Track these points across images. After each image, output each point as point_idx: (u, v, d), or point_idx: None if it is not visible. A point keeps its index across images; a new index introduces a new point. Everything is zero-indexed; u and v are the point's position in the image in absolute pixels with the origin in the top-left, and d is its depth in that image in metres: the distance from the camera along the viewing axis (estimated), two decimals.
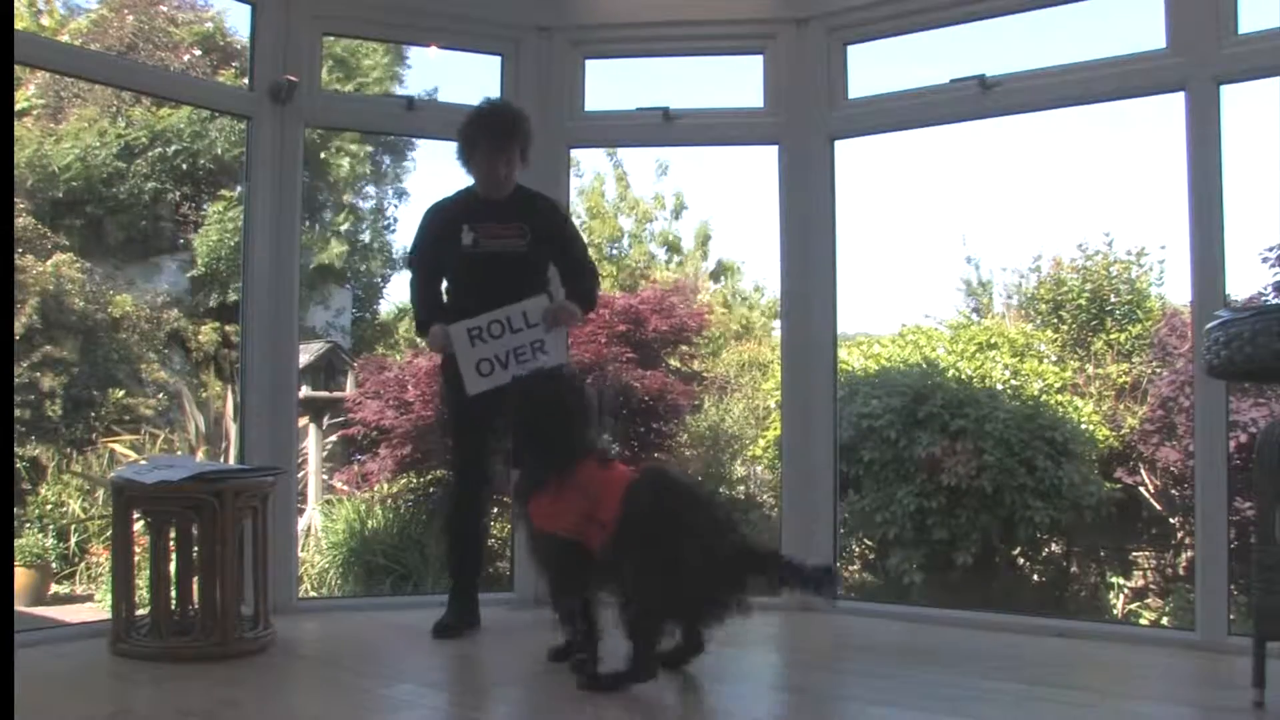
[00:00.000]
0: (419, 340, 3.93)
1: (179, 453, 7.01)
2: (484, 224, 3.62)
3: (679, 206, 11.03)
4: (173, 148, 9.15)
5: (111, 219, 8.95)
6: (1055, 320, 7.57)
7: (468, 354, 3.52)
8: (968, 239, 11.13)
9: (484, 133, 3.59)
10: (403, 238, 11.50)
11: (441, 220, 3.72)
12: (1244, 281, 6.26)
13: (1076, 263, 7.75)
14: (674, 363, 7.18)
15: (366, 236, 11.02)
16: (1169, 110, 3.61)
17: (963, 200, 10.76)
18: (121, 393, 7.81)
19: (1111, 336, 7.32)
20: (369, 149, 10.31)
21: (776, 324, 10.26)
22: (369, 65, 10.08)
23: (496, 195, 3.65)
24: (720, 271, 11.11)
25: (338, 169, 9.98)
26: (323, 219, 10.19)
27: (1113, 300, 7.48)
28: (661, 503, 2.74)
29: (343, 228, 10.39)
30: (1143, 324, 7.33)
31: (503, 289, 3.57)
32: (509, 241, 3.61)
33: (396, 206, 11.34)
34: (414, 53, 10.63)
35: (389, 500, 6.73)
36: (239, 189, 9.12)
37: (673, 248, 11.00)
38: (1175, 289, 7.63)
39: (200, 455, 6.91)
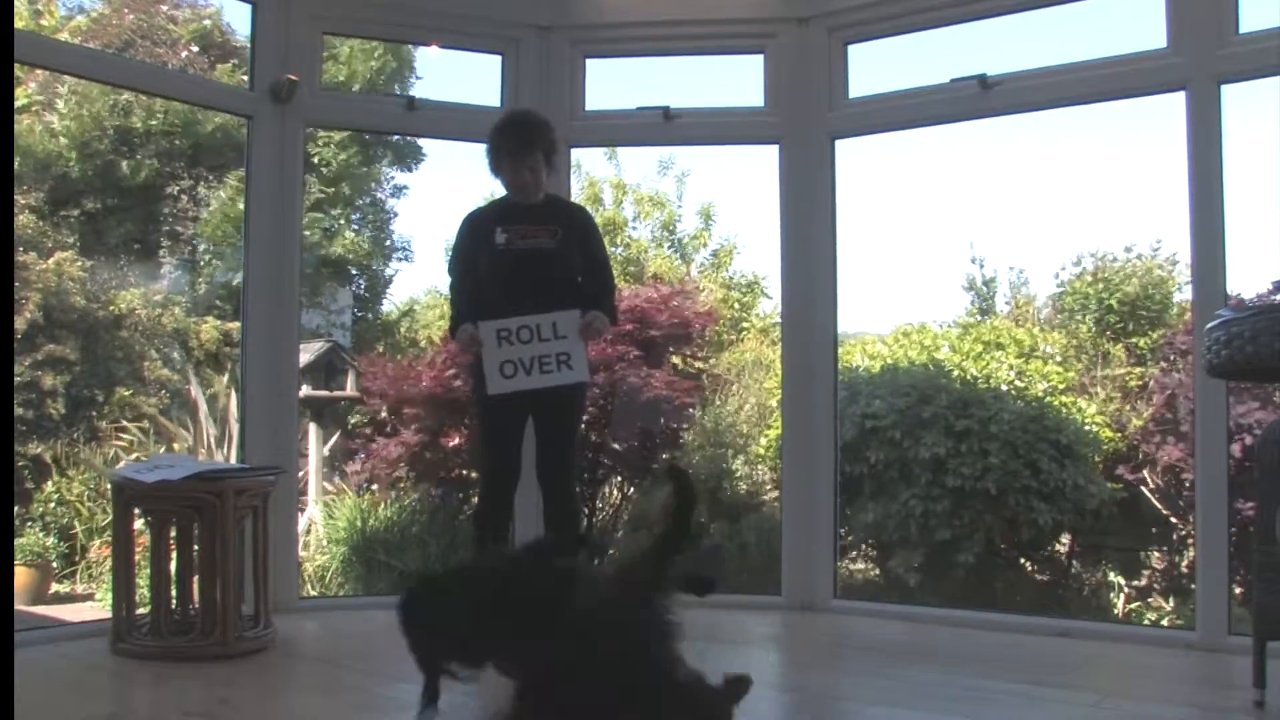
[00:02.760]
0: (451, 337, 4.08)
1: (176, 449, 7.01)
2: (516, 225, 3.73)
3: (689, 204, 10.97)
4: (174, 141, 9.14)
5: (111, 215, 8.95)
6: (1078, 319, 7.53)
7: (494, 353, 3.60)
8: (968, 237, 11.07)
9: (507, 141, 3.72)
10: (402, 231, 11.51)
11: (476, 225, 3.83)
12: (1246, 280, 6.25)
13: (1119, 263, 7.71)
14: (676, 360, 7.17)
15: (368, 232, 11.02)
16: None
17: (966, 200, 10.73)
18: (129, 392, 7.81)
19: (1133, 340, 7.30)
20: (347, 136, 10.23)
21: (777, 321, 10.24)
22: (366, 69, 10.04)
23: (525, 200, 3.77)
24: (721, 259, 11.03)
25: (327, 162, 9.95)
26: (329, 213, 10.16)
27: (1142, 304, 7.45)
28: None
29: (344, 220, 10.38)
30: (1161, 329, 7.31)
31: (532, 285, 3.67)
32: (540, 241, 3.72)
33: (395, 201, 11.33)
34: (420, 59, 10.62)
35: (390, 499, 6.73)
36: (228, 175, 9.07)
37: (681, 245, 10.95)
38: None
39: (201, 454, 6.91)
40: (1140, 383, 6.95)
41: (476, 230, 3.81)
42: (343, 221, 10.37)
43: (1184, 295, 7.54)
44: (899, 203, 9.77)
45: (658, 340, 6.89)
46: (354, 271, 10.69)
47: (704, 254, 10.99)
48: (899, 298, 12.80)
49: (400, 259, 11.38)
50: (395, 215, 11.33)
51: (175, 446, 7.06)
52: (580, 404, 3.93)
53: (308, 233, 9.35)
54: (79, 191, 8.79)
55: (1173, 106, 3.65)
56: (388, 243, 11.25)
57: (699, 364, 7.56)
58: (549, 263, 3.72)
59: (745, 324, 9.51)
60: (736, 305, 10.01)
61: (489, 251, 3.73)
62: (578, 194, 10.43)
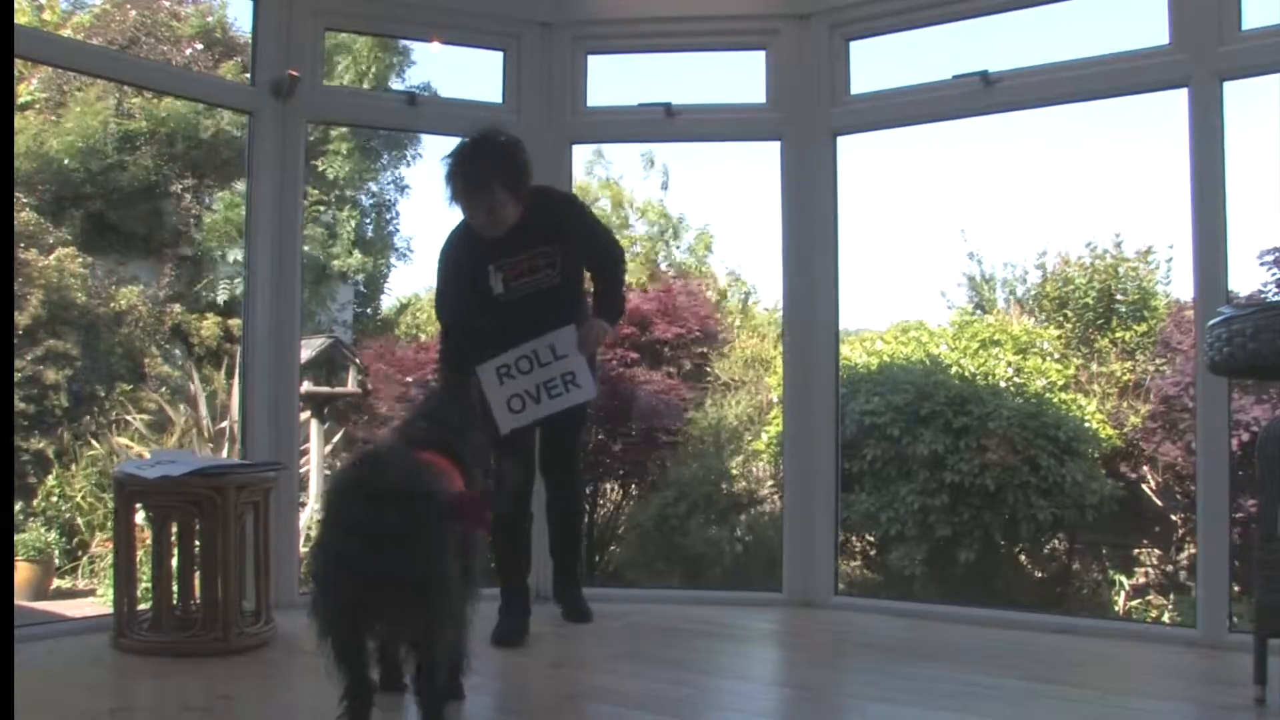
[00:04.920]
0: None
1: (172, 441, 7.00)
2: (509, 259, 3.41)
3: (675, 220, 10.98)
4: (177, 144, 9.13)
5: (114, 212, 8.95)
6: (1060, 318, 7.56)
7: (497, 392, 3.40)
8: (968, 234, 11.05)
9: (454, 180, 3.32)
10: (406, 230, 11.49)
11: (460, 261, 3.50)
12: (1246, 278, 6.27)
13: (1084, 260, 7.74)
14: (684, 363, 7.18)
15: (370, 232, 11.00)
16: (1174, 108, 3.62)
17: (967, 196, 10.73)
18: (130, 387, 7.82)
19: (1117, 335, 7.31)
20: (352, 144, 10.22)
21: (777, 318, 10.26)
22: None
23: (494, 234, 3.39)
24: (699, 249, 11.03)
25: (330, 168, 9.94)
26: (328, 221, 10.16)
27: (1119, 299, 7.47)
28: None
29: (350, 224, 10.37)
30: (1148, 323, 7.33)
31: (544, 326, 3.44)
32: (540, 278, 3.44)
33: (397, 201, 11.32)
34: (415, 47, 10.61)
35: None
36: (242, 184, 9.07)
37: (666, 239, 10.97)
38: (1182, 286, 7.64)
39: (204, 451, 6.91)
40: (1134, 379, 6.97)
41: (461, 267, 3.48)
42: (351, 226, 10.35)
43: (1165, 289, 7.61)
44: (898, 199, 9.78)
45: (658, 343, 6.91)
46: (354, 268, 10.67)
47: (688, 247, 11.01)
48: (897, 295, 12.82)
49: (400, 259, 11.37)
50: (398, 215, 11.33)
51: (172, 442, 7.04)
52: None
53: (307, 247, 9.34)
54: (80, 188, 8.79)
55: (1173, 103, 3.65)
56: (390, 241, 11.24)
57: (712, 368, 7.57)
58: (556, 300, 3.45)
59: (741, 325, 9.53)
60: (737, 298, 10.04)
61: (483, 299, 3.43)
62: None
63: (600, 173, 10.99)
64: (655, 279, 8.97)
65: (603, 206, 10.70)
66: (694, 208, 11.08)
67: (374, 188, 10.95)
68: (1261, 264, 5.94)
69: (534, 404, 3.45)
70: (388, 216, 11.20)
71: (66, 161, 8.54)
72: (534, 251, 3.43)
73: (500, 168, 3.30)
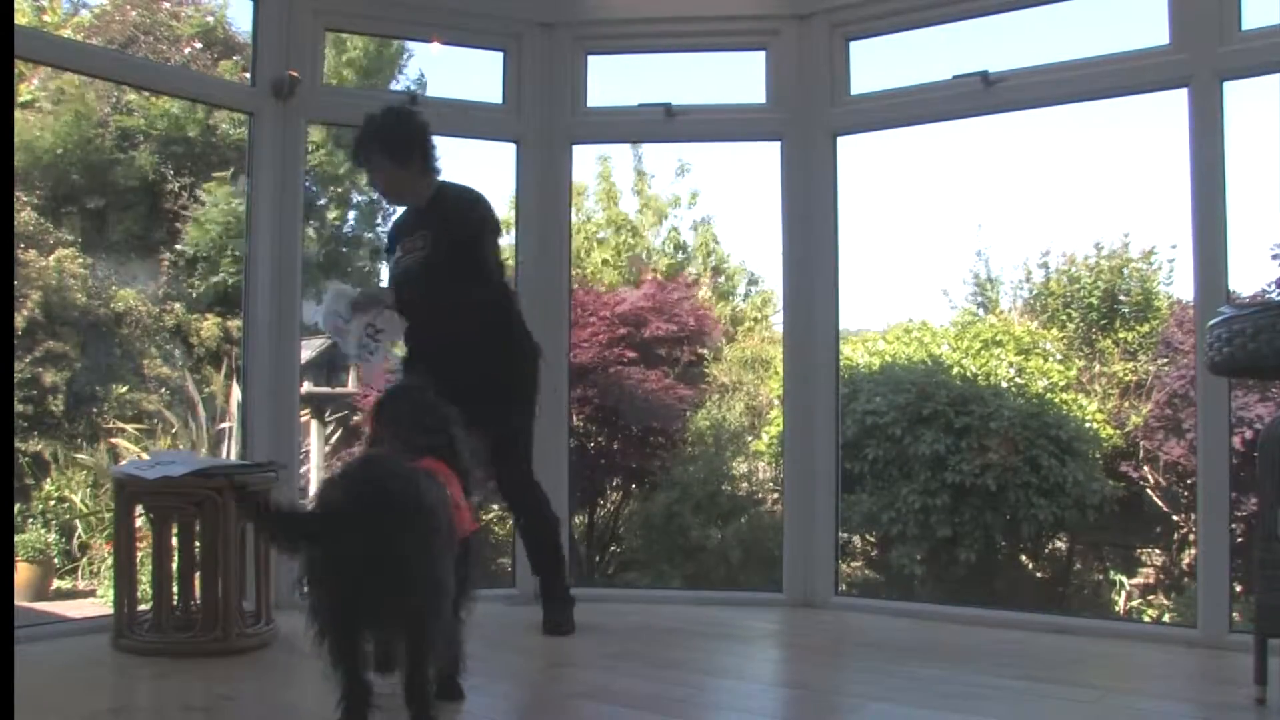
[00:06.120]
0: None
1: (167, 442, 7.00)
2: (407, 238, 3.56)
3: (692, 202, 10.94)
4: (175, 137, 9.13)
5: (113, 212, 8.95)
6: (1064, 318, 7.55)
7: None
8: (972, 233, 11.02)
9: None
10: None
11: (389, 241, 3.72)
12: (1248, 277, 6.27)
13: (1090, 260, 7.73)
14: (679, 364, 7.18)
15: (368, 235, 11.00)
16: (1177, 105, 3.62)
17: (967, 196, 10.71)
18: (125, 388, 7.82)
19: (1120, 335, 7.31)
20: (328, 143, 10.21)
21: (775, 318, 10.28)
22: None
23: (402, 204, 3.67)
24: (721, 271, 11.00)
25: (323, 165, 9.93)
26: (320, 214, 10.15)
27: (1123, 299, 7.47)
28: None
29: (331, 218, 10.35)
30: (1151, 323, 7.32)
31: (407, 308, 3.48)
32: (414, 255, 3.51)
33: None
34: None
35: None
36: (238, 178, 9.05)
37: (680, 247, 10.92)
38: (1183, 286, 7.63)
39: (203, 451, 6.91)
40: (1135, 379, 6.97)
41: (389, 246, 3.70)
42: (336, 216, 10.32)
43: (1168, 289, 7.60)
44: (899, 199, 9.77)
45: (653, 342, 6.90)
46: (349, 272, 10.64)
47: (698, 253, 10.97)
48: (899, 295, 12.79)
49: (381, 257, 11.32)
50: (391, 211, 11.28)
51: (166, 442, 7.04)
52: (506, 409, 3.53)
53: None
54: (79, 188, 8.79)
55: (1176, 100, 3.65)
56: (379, 240, 11.23)
57: (708, 368, 7.56)
58: (418, 279, 3.45)
59: (754, 326, 9.52)
60: (738, 301, 10.03)
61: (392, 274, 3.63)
62: (594, 188, 10.33)
63: (628, 176, 10.93)
64: (652, 276, 8.95)
65: (625, 210, 10.60)
66: (715, 208, 11.00)
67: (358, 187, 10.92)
68: (1274, 258, 5.94)
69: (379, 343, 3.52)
70: (381, 211, 11.17)
71: (59, 151, 8.52)
72: (420, 232, 3.53)
73: (379, 131, 3.43)
